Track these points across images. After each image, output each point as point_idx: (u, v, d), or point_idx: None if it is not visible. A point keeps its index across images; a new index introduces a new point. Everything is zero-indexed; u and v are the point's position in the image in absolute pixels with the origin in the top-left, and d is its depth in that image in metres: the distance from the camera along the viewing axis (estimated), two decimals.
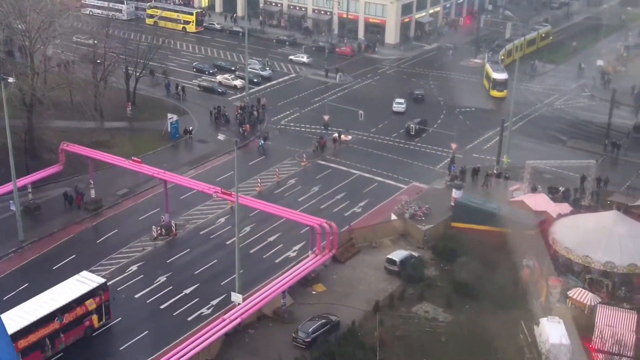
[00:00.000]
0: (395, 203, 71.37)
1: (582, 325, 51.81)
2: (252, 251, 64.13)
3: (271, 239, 66.16)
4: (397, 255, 61.50)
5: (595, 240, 57.19)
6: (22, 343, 48.17)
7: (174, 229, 66.41)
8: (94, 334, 53.10)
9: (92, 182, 70.64)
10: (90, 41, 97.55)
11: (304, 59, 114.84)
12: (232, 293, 53.42)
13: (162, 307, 56.50)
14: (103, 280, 54.72)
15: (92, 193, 70.67)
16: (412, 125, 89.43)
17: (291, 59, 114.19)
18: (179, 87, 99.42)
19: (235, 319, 50.41)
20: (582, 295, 54.67)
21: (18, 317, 48.96)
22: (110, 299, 54.20)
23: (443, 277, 60.51)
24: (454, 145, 79.40)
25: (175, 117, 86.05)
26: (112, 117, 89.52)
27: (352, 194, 74.37)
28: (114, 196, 72.82)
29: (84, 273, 55.06)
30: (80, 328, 52.45)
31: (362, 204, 72.66)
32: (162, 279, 59.76)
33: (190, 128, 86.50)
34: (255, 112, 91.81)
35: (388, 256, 61.60)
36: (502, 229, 62.13)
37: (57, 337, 50.94)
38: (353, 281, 60.01)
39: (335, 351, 49.40)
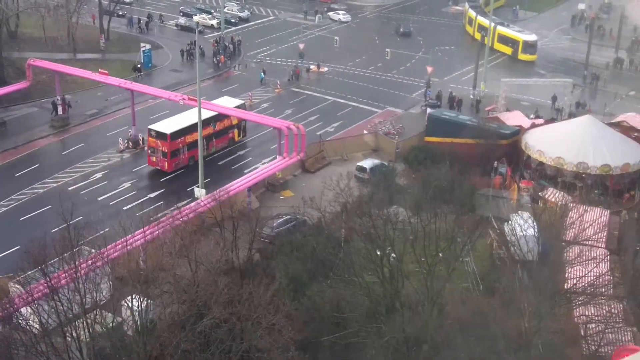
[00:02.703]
0: (369, 124, 70.35)
1: (553, 222, 50.75)
2: (220, 163, 62.95)
3: (241, 152, 64.99)
4: (368, 163, 60.40)
5: (568, 143, 56.19)
6: (189, 138, 60.63)
7: (141, 142, 65.04)
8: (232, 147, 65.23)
9: (59, 98, 69.20)
10: None
11: None
12: (195, 188, 52.27)
13: (125, 208, 55.25)
14: (242, 101, 68.61)
15: (59, 110, 69.22)
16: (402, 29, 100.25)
17: None
18: (141, 21, 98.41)
19: (197, 209, 49.15)
20: (554, 195, 53.64)
21: (185, 119, 61.80)
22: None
23: (414, 185, 59.38)
24: (429, 69, 78.15)
25: (148, 46, 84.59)
26: (85, 50, 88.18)
27: (325, 116, 73.16)
28: (82, 116, 71.35)
29: (225, 97, 68.75)
30: (226, 137, 64.94)
31: (335, 124, 71.47)
32: (127, 184, 58.64)
33: (139, 66, 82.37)
34: (230, 46, 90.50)
35: (358, 164, 60.49)
36: (475, 140, 61.03)
37: (211, 141, 63.21)
38: (322, 188, 58.76)
39: (299, 242, 48.18)
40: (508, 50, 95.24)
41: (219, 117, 63.64)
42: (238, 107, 65.66)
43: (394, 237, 46.49)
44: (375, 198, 56.54)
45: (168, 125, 61.34)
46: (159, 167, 60.37)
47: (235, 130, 66.03)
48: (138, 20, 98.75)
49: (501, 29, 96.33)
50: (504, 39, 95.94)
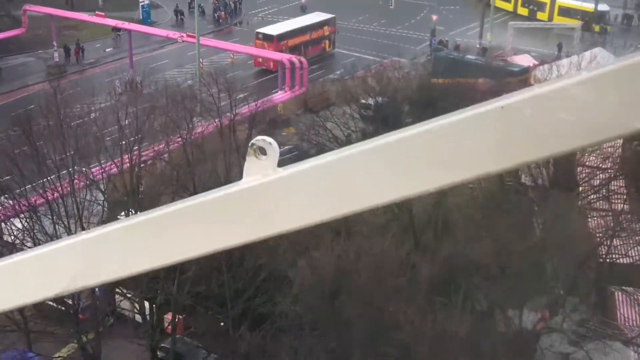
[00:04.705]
0: (373, 70, 68.78)
1: None
2: (223, 103, 61.46)
3: (241, 95, 63.40)
4: (372, 100, 58.82)
5: (578, 73, 54.43)
6: (290, 42, 68.81)
7: (139, 85, 63.60)
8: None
9: (55, 45, 67.82)
10: None
11: None
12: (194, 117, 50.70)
13: (123, 142, 53.73)
14: (333, 15, 75.90)
15: (56, 56, 67.84)
16: None
17: None
18: None
19: (194, 135, 47.67)
20: None
21: (290, 24, 71.92)
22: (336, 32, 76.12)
23: (420, 121, 57.76)
24: (434, 17, 76.66)
25: (147, 2, 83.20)
26: (83, 8, 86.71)
27: (327, 66, 71.85)
28: (80, 64, 70.07)
29: (317, 12, 77.00)
30: (319, 47, 71.80)
31: (338, 72, 69.93)
32: (123, 123, 57.12)
33: (119, 33, 78.27)
34: (231, 3, 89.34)
35: (362, 101, 58.92)
36: (484, 79, 59.42)
37: (307, 48, 70.52)
38: (326, 125, 57.23)
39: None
40: (576, 22, 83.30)
41: (314, 26, 72.21)
42: (327, 20, 75.09)
43: None
44: (380, 131, 55.12)
45: (275, 28, 70.40)
46: (264, 67, 66.60)
47: (327, 42, 73.76)
48: None
49: (563, 1, 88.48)
50: (568, 12, 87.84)
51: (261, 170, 1.74)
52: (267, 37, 68.32)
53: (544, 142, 1.51)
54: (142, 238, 1.89)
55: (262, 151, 1.75)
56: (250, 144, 1.77)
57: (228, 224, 1.78)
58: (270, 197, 1.74)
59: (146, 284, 28.23)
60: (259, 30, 69.83)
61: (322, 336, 24.36)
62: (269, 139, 1.81)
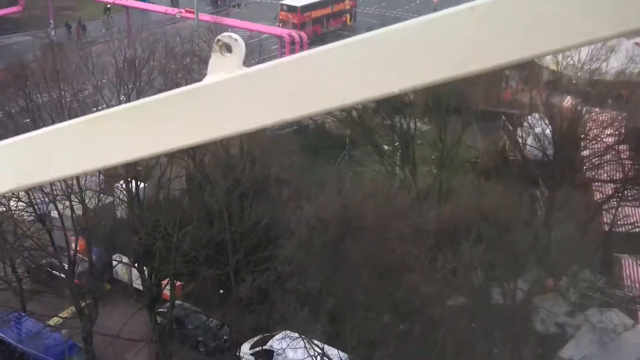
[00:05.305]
0: None
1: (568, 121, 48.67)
2: None
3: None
4: None
5: (583, 50, 53.94)
6: (313, 14, 70.14)
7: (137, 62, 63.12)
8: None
9: (52, 23, 67.41)
10: None
11: None
12: None
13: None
14: None
15: (52, 35, 67.41)
16: None
17: None
18: None
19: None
20: (568, 101, 51.57)
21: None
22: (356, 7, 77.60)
23: (422, 99, 57.33)
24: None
25: None
26: None
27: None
28: (79, 42, 69.59)
29: None
30: (340, 20, 73.16)
31: None
32: (123, 97, 56.78)
33: (111, 15, 78.05)
34: None
35: None
36: None
37: (329, 21, 71.54)
38: None
39: (304, 142, 46.44)
40: None
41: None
42: None
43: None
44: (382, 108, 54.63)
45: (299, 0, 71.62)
46: None
47: (348, 15, 75.16)
48: None
49: None
50: None
51: (226, 67, 1.70)
52: (291, 9, 69.76)
53: (514, 44, 1.48)
54: (99, 135, 1.81)
55: (228, 48, 1.70)
56: (216, 40, 1.70)
57: (191, 121, 1.72)
58: (235, 94, 1.69)
59: (145, 233, 27.71)
60: (282, 2, 70.99)
61: (326, 281, 23.95)
62: (235, 36, 1.74)
